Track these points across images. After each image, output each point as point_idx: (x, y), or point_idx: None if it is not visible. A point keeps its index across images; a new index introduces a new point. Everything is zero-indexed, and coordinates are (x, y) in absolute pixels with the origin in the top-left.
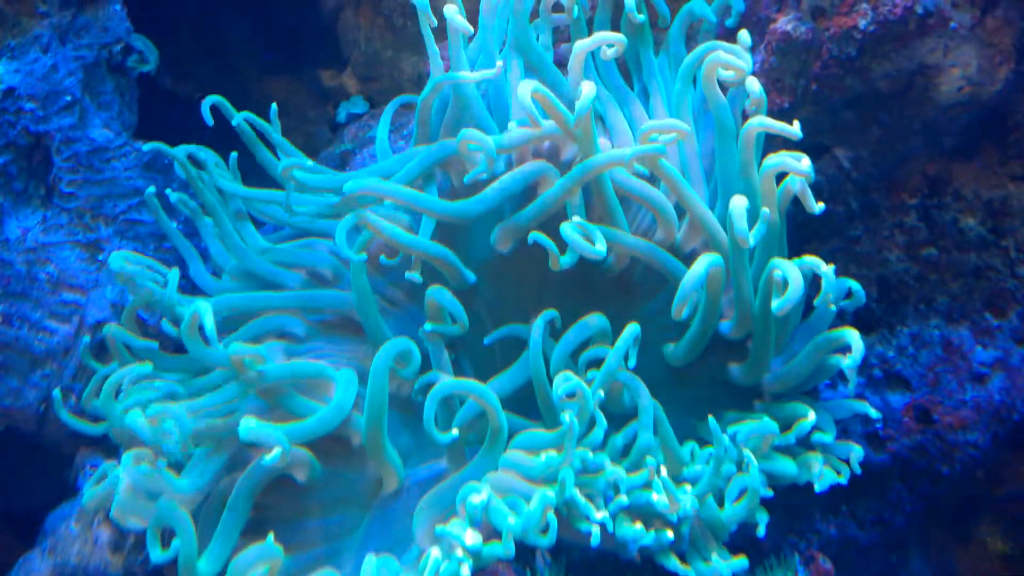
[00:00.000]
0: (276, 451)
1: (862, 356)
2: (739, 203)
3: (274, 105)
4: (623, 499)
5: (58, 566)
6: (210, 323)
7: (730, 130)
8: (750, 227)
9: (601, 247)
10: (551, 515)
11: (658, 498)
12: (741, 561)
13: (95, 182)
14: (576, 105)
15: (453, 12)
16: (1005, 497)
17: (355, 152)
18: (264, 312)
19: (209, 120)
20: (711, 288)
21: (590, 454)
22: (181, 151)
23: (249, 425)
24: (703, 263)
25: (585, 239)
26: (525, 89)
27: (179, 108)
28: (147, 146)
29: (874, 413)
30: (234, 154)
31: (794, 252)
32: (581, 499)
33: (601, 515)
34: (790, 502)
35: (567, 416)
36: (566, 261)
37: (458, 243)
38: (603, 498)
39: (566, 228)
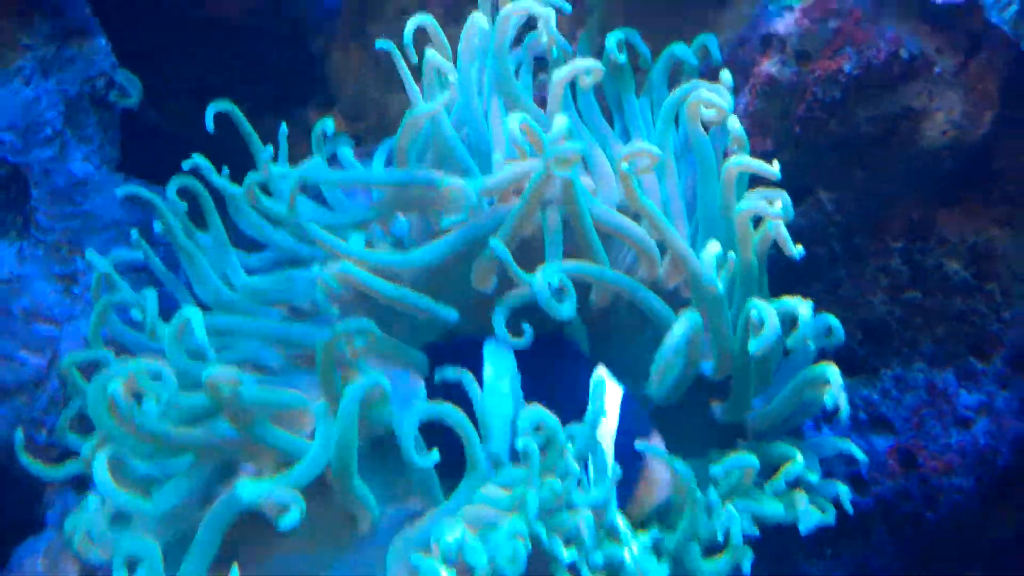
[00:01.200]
0: (294, 511)
1: (842, 386)
2: (711, 251)
3: (283, 125)
4: (597, 556)
5: None
6: (202, 333)
7: (711, 168)
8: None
9: (569, 309)
10: (518, 543)
11: (630, 558)
12: None
13: (73, 215)
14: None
15: (434, 55)
16: (990, 542)
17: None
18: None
19: (211, 126)
20: (690, 348)
21: (559, 482)
22: (167, 192)
23: (247, 488)
24: (682, 327)
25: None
26: (514, 122)
27: (163, 143)
28: (120, 190)
29: (859, 454)
30: (226, 169)
31: (776, 295)
32: (557, 541)
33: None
34: (774, 543)
35: (519, 443)
36: (566, 312)
37: (435, 287)
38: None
39: (537, 279)
